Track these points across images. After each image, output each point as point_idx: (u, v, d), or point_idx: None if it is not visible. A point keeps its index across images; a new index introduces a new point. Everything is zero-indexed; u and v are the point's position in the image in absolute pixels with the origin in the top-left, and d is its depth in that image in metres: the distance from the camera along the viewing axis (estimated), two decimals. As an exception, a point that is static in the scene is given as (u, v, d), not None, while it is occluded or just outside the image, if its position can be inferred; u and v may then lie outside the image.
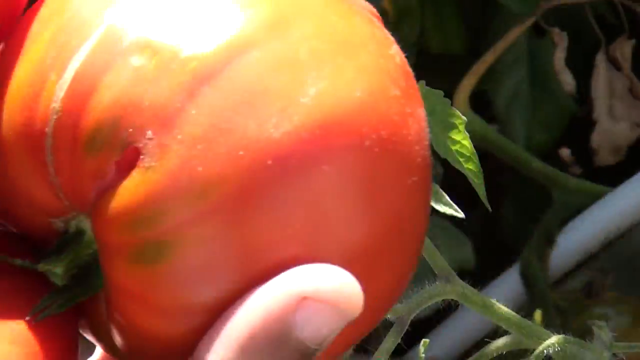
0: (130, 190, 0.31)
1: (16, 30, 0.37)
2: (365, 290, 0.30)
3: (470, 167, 0.47)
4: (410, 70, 0.35)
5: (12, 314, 0.34)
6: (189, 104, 0.31)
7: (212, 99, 0.32)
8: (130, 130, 0.31)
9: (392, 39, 0.36)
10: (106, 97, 0.32)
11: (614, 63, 0.86)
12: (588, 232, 0.81)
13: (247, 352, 0.30)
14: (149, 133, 0.31)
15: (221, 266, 0.31)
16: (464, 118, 0.46)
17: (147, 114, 0.32)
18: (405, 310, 0.45)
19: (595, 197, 0.82)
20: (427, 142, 0.36)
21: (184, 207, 0.31)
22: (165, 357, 0.33)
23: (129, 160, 0.31)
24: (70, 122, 0.33)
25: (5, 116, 0.35)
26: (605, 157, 0.86)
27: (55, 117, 0.33)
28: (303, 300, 0.29)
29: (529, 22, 0.83)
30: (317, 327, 0.30)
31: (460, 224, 0.81)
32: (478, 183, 0.47)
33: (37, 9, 0.37)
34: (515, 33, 0.84)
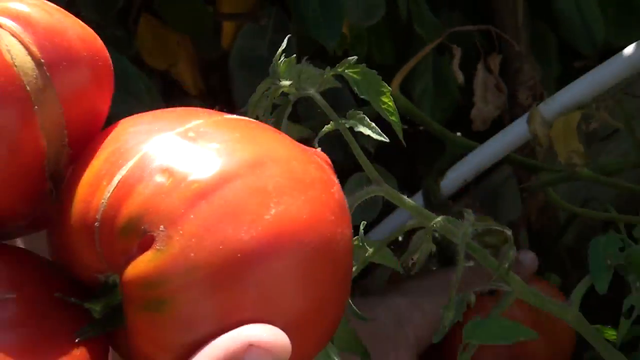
0: (145, 263, 0.41)
1: (86, 149, 0.47)
2: (295, 342, 0.41)
3: (393, 118, 0.63)
4: (345, 202, 0.49)
5: (66, 335, 0.44)
6: (190, 211, 0.41)
7: (205, 210, 0.42)
8: (150, 224, 0.42)
9: (335, 181, 0.50)
10: (136, 201, 0.42)
11: (488, 69, 1.02)
12: (464, 170, 0.97)
13: None
14: (162, 227, 0.41)
15: (199, 319, 0.42)
16: (389, 88, 0.63)
17: (161, 215, 0.42)
18: (351, 202, 0.60)
19: (471, 149, 0.97)
20: (350, 250, 0.49)
21: (179, 279, 0.41)
22: None
23: (147, 243, 0.42)
24: (112, 214, 0.43)
25: (73, 206, 0.44)
26: (478, 126, 1.02)
27: (102, 209, 0.43)
28: (250, 346, 0.40)
29: (437, 42, 0.98)
30: None
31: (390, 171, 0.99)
32: (397, 124, 0.64)
33: (101, 138, 0.47)
34: (427, 50, 0.97)
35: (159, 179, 0.43)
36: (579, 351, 0.95)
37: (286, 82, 0.63)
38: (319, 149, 0.53)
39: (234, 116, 0.50)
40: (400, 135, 0.64)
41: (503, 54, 1.04)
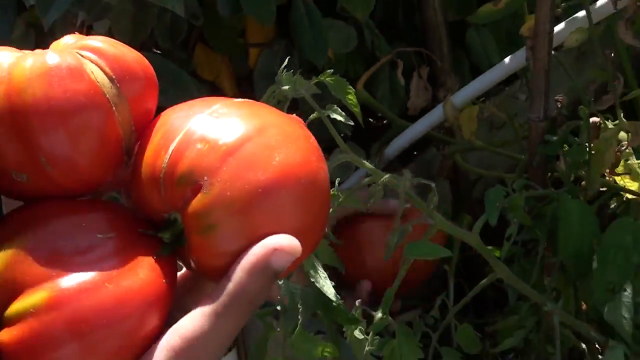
0: (197, 202, 0.51)
1: (146, 130, 0.56)
2: (301, 244, 0.51)
3: (356, 109, 0.79)
4: (320, 150, 0.57)
5: (150, 256, 0.53)
6: (222, 165, 0.51)
7: (232, 163, 0.51)
8: (197, 176, 0.51)
9: (311, 134, 0.58)
10: (186, 162, 0.52)
11: (420, 76, 1.23)
12: (402, 140, 1.18)
13: (252, 272, 0.50)
14: (205, 177, 0.51)
15: (237, 235, 0.51)
16: (353, 89, 0.78)
17: (204, 169, 0.51)
18: (330, 165, 0.65)
19: (406, 127, 1.18)
20: (327, 182, 0.57)
21: (220, 210, 0.51)
22: (216, 276, 0.52)
23: (197, 189, 0.51)
24: (170, 172, 0.52)
25: (142, 169, 0.54)
26: (412, 112, 1.22)
27: (164, 170, 0.52)
28: (275, 250, 0.50)
29: (387, 58, 1.21)
30: (280, 261, 0.50)
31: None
32: (358, 113, 0.80)
33: (155, 123, 0.55)
34: (381, 62, 1.22)
35: (199, 145, 0.52)
36: (481, 268, 1.08)
37: (286, 87, 0.76)
38: (296, 116, 0.61)
39: (240, 99, 0.58)
40: (360, 120, 0.80)
41: (433, 68, 1.25)
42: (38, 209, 0.53)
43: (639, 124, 0.98)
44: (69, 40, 0.56)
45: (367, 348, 0.82)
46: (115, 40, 0.56)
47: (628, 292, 0.90)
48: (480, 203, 1.03)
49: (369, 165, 0.80)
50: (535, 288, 0.96)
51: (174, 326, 0.50)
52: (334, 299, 0.74)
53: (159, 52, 1.18)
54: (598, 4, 0.97)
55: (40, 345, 0.47)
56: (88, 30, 1.06)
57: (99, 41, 0.54)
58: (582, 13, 1.00)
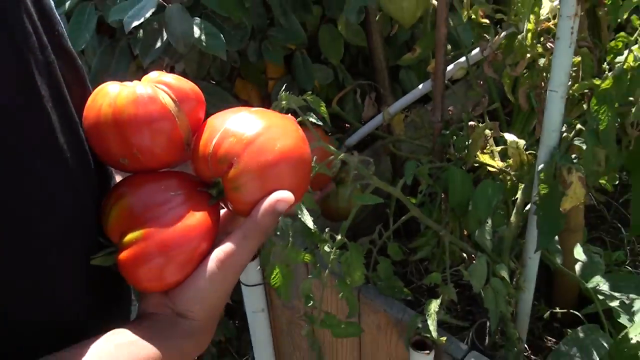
0: (231, 173, 0.51)
1: (199, 130, 0.55)
2: (294, 196, 0.51)
3: (325, 116, 0.82)
4: (305, 137, 0.55)
5: (205, 205, 0.53)
6: (245, 151, 0.51)
7: (251, 149, 0.51)
8: (231, 157, 0.51)
9: (300, 128, 0.56)
10: (223, 149, 0.52)
11: (370, 98, 1.24)
12: (357, 135, 1.20)
13: (265, 213, 0.51)
14: (235, 158, 0.51)
15: (254, 192, 0.51)
16: (324, 104, 0.82)
17: (234, 154, 0.51)
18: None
19: (359, 127, 1.20)
20: (310, 158, 0.56)
21: (244, 177, 0.51)
22: (244, 215, 0.52)
23: (230, 165, 0.51)
24: (215, 155, 0.52)
25: (199, 153, 0.53)
26: (365, 119, 1.22)
27: (210, 154, 0.52)
28: (277, 200, 0.51)
29: (351, 88, 1.24)
30: (282, 206, 0.50)
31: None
32: (326, 118, 0.82)
33: (204, 125, 0.54)
34: (347, 90, 1.25)
35: (231, 139, 0.52)
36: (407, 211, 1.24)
37: (284, 102, 0.80)
38: (291, 116, 0.60)
39: (256, 108, 0.57)
40: (328, 122, 0.83)
41: (378, 93, 1.27)
42: (135, 179, 0.54)
43: (496, 124, 1.01)
44: (153, 75, 0.56)
45: (331, 257, 0.85)
46: (179, 77, 0.57)
47: (489, 224, 0.94)
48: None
49: (333, 148, 0.83)
50: (436, 222, 0.99)
51: (220, 247, 0.51)
52: (311, 227, 0.78)
53: (213, 82, 1.21)
54: (473, 52, 1.00)
55: (141, 260, 0.49)
56: (171, 69, 1.09)
57: (169, 77, 0.55)
58: (464, 58, 1.02)
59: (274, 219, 0.50)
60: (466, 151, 1.01)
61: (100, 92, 0.53)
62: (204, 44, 0.99)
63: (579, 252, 1.03)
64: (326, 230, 0.88)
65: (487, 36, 0.95)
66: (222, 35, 1.01)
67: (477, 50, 0.98)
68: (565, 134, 0.88)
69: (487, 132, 1.01)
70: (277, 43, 1.15)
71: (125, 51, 1.11)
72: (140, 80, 0.55)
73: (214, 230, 0.53)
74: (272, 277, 0.86)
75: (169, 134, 0.52)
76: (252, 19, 1.13)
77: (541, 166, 0.87)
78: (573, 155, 0.86)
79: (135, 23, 0.93)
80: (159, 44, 0.99)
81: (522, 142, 0.99)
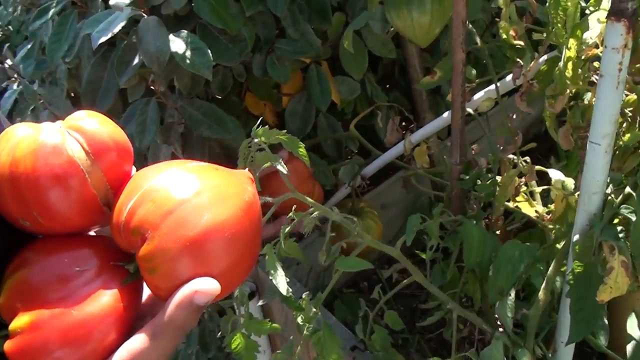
0: (144, 249, 0.45)
1: (120, 188, 0.49)
2: (224, 282, 0.44)
3: (305, 159, 0.66)
4: (255, 201, 0.50)
5: (118, 282, 0.47)
6: (162, 222, 0.44)
7: (170, 221, 0.44)
8: (144, 230, 0.45)
9: (249, 189, 0.50)
10: (137, 217, 0.45)
11: (394, 121, 1.04)
12: (375, 165, 1.04)
13: (179, 307, 0.43)
14: (149, 232, 0.44)
15: (171, 277, 0.44)
16: (302, 144, 0.64)
17: (149, 225, 0.45)
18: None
19: (379, 155, 1.03)
20: (256, 229, 0.48)
21: (158, 258, 0.44)
22: (163, 299, 0.45)
23: (144, 239, 0.45)
24: (127, 224, 0.46)
25: (113, 218, 0.47)
26: (387, 145, 1.04)
27: (123, 222, 0.46)
28: (196, 292, 0.43)
29: (370, 110, 1.10)
30: (201, 300, 0.43)
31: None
32: (306, 161, 0.66)
33: (128, 182, 0.49)
34: (366, 112, 1.08)
35: (149, 205, 0.46)
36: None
37: (256, 140, 0.64)
38: (247, 170, 0.56)
39: (195, 164, 0.50)
40: (308, 164, 0.67)
41: (415, 111, 1.14)
42: (43, 244, 0.48)
43: (533, 167, 0.81)
44: (78, 115, 0.50)
45: (304, 332, 0.69)
46: (101, 118, 0.50)
47: (512, 296, 0.74)
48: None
49: (309, 199, 0.67)
50: (452, 282, 0.82)
51: (126, 342, 0.45)
52: (284, 292, 0.65)
53: (219, 97, 1.07)
54: (502, 80, 0.79)
55: (26, 355, 0.43)
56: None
57: (85, 121, 0.49)
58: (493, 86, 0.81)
59: (192, 314, 0.44)
60: (493, 198, 0.80)
61: (5, 136, 0.47)
62: (187, 61, 0.84)
63: (633, 326, 0.80)
64: (304, 295, 0.72)
65: (520, 61, 0.73)
66: (209, 52, 0.86)
67: (510, 77, 0.77)
68: (611, 196, 0.66)
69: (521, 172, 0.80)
70: (285, 57, 0.98)
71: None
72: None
73: (124, 318, 0.46)
74: (234, 345, 0.71)
75: (77, 193, 0.46)
76: (256, 29, 0.97)
77: (577, 236, 0.66)
78: (620, 228, 0.64)
79: (103, 39, 0.80)
80: (136, 60, 0.85)
81: (570, 182, 0.77)
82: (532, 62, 0.72)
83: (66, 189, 0.46)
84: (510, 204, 0.85)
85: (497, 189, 0.80)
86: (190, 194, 0.45)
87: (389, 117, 1.09)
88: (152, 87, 0.93)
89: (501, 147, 0.81)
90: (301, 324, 0.69)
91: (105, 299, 0.45)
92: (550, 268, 0.72)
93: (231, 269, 0.46)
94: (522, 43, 0.73)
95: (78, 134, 0.47)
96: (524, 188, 0.84)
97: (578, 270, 0.66)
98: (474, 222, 0.77)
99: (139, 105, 0.93)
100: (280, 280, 0.65)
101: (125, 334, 0.45)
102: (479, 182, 0.80)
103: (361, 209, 1.08)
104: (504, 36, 0.74)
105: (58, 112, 1.11)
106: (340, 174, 1.14)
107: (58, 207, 0.46)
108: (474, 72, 0.75)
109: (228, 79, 1.02)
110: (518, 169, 0.78)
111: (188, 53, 0.85)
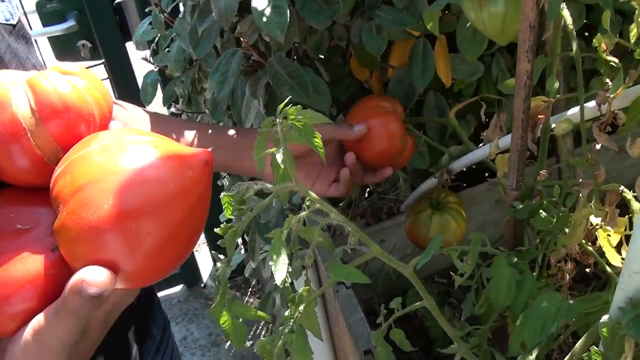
0: (56, 222, 0.43)
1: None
2: (131, 273, 0.42)
3: (321, 151, 0.58)
4: (191, 188, 0.44)
5: (48, 248, 0.45)
6: (70, 199, 0.42)
7: (76, 199, 0.42)
8: (57, 203, 0.43)
9: (190, 176, 0.44)
10: (56, 188, 0.44)
11: (499, 117, 0.87)
12: (464, 161, 0.90)
13: (71, 292, 0.41)
14: (60, 206, 0.43)
15: (72, 257, 0.43)
16: (318, 134, 0.56)
17: (61, 199, 0.43)
18: None
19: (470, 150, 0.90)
20: (187, 217, 0.43)
21: (61, 235, 0.42)
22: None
23: (59, 211, 0.43)
24: (51, 192, 0.45)
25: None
26: (486, 142, 0.90)
27: (50, 187, 0.45)
28: (82, 281, 0.41)
29: (473, 100, 0.95)
30: (91, 290, 0.41)
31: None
32: (321, 153, 0.63)
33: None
34: (466, 102, 0.93)
35: (67, 177, 0.44)
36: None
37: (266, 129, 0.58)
38: (205, 151, 0.48)
39: (146, 138, 0.46)
40: (324, 159, 0.58)
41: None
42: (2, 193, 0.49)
43: (616, 210, 0.66)
44: (45, 70, 0.49)
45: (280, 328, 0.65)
46: (74, 75, 0.49)
47: (533, 356, 0.63)
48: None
49: (312, 195, 0.59)
50: (486, 316, 0.72)
51: (37, 315, 0.44)
52: (279, 283, 0.58)
53: (322, 57, 1.03)
54: (588, 104, 0.64)
55: None
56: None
57: (43, 79, 0.47)
58: (572, 110, 0.67)
59: (85, 302, 0.41)
60: (552, 237, 0.67)
61: None
62: (264, 18, 0.80)
63: None
64: (301, 290, 0.67)
65: (609, 83, 0.59)
66: (288, 12, 0.81)
67: (593, 104, 0.62)
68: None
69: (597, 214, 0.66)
70: (383, 26, 0.89)
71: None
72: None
73: (50, 284, 0.44)
74: (222, 321, 0.69)
75: (18, 151, 0.45)
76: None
77: (606, 317, 0.53)
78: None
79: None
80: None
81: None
82: (620, 89, 0.57)
83: (6, 146, 0.45)
84: (589, 247, 0.71)
85: (560, 225, 0.66)
86: (105, 174, 0.42)
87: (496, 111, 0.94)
88: (241, 39, 0.90)
89: (580, 180, 0.67)
90: (286, 316, 0.64)
91: (30, 263, 0.44)
92: (579, 342, 0.60)
93: (143, 259, 0.42)
94: (615, 60, 0.58)
95: (30, 91, 0.47)
96: (602, 234, 0.69)
97: (595, 358, 0.53)
98: (516, 259, 0.65)
99: (226, 55, 0.91)
100: (281, 268, 0.59)
101: (48, 303, 0.44)
102: (542, 214, 0.67)
103: (445, 204, 0.97)
104: (599, 48, 0.59)
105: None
106: (443, 160, 1.04)
107: (1, 163, 0.46)
108: (556, 85, 0.61)
109: (324, 40, 0.96)
110: (589, 209, 0.64)
111: (268, 10, 0.81)
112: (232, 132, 0.82)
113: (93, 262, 0.42)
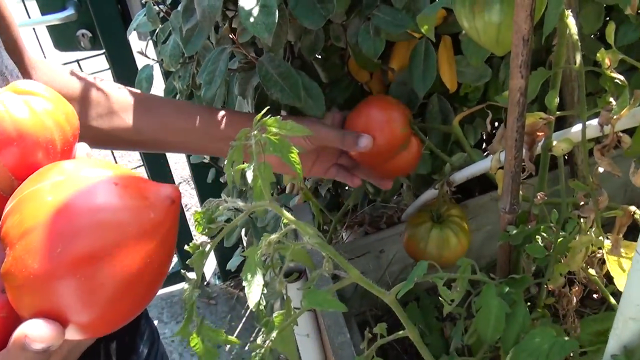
0: (3, 265, 0.39)
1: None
2: (83, 324, 0.38)
3: (297, 167, 0.55)
4: (151, 232, 0.40)
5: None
6: (17, 243, 0.38)
7: (23, 244, 0.38)
8: (4, 245, 0.40)
9: (152, 219, 0.40)
10: (5, 227, 0.40)
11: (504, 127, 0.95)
12: (465, 173, 0.85)
13: (15, 346, 0.38)
14: (8, 249, 0.39)
15: (18, 306, 0.39)
16: (295, 149, 0.53)
17: (8, 242, 0.39)
18: None
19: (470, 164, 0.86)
20: (148, 263, 0.39)
21: (8, 282, 0.39)
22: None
23: (6, 254, 0.39)
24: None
25: None
26: (491, 153, 0.92)
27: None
28: (25, 336, 0.37)
29: (477, 109, 0.82)
30: (35, 346, 0.37)
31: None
32: (298, 169, 0.71)
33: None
34: (471, 110, 0.84)
35: (16, 216, 0.40)
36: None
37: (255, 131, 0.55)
38: (173, 186, 0.44)
39: (111, 172, 0.42)
40: (300, 174, 0.56)
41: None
42: None
43: (620, 238, 0.61)
44: (1, 92, 0.46)
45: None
46: (32, 95, 0.46)
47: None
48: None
49: (287, 215, 0.56)
50: (477, 345, 0.67)
51: None
52: (252, 306, 0.55)
53: (319, 57, 0.98)
54: (590, 122, 0.58)
55: None
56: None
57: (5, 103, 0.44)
58: (573, 128, 0.61)
59: (29, 355, 0.38)
60: (547, 264, 0.62)
61: None
62: (251, 19, 0.76)
63: None
64: (276, 314, 0.63)
65: (613, 102, 0.53)
66: (276, 13, 0.75)
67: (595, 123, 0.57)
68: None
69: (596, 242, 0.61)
70: (381, 27, 0.84)
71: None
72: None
73: (4, 327, 0.40)
74: (192, 343, 0.66)
75: None
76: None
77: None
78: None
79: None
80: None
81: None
82: (625, 109, 0.52)
83: None
84: (591, 271, 0.66)
85: (558, 252, 0.62)
86: (55, 216, 0.38)
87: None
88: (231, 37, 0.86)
89: (582, 203, 0.62)
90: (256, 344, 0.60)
91: None
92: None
93: (96, 311, 0.39)
94: (620, 77, 0.53)
95: None
96: (611, 258, 0.64)
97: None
98: (506, 289, 0.60)
99: (214, 53, 0.87)
100: (255, 290, 0.56)
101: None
102: (539, 239, 0.62)
103: (447, 217, 0.91)
104: (602, 64, 0.54)
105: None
106: (446, 169, 0.99)
107: None
108: (556, 101, 0.56)
109: (320, 41, 0.91)
110: (589, 237, 0.59)
111: (255, 10, 0.76)
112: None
113: (40, 312, 0.38)
